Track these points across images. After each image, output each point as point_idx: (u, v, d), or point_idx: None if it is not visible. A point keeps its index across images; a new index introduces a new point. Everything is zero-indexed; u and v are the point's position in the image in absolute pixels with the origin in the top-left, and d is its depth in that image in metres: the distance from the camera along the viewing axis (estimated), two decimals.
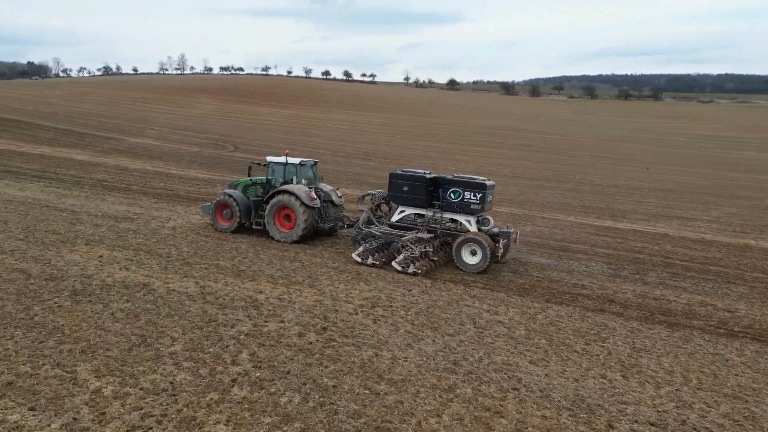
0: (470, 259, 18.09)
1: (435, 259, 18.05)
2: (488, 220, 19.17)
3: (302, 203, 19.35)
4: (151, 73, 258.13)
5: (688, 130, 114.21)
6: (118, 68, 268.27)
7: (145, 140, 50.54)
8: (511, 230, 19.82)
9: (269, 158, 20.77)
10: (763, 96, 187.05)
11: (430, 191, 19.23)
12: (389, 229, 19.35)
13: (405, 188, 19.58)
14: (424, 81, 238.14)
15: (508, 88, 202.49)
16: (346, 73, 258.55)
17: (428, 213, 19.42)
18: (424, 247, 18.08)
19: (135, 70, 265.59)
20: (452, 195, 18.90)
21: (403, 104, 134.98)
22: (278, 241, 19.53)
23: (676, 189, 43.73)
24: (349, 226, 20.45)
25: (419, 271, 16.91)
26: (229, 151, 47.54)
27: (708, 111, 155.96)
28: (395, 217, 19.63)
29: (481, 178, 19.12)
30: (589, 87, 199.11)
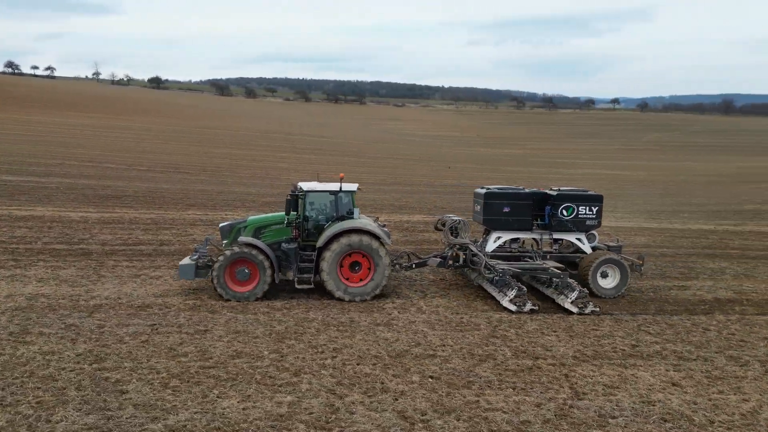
0: (605, 283, 16.44)
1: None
2: (594, 235, 17.94)
3: (384, 245, 15.75)
4: None
5: (417, 131, 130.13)
6: None
7: None
8: (621, 243, 18.38)
9: (304, 185, 16.28)
10: (413, 100, 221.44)
11: (533, 210, 17.29)
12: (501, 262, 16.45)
13: (506, 209, 17.10)
14: (123, 78, 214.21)
15: (222, 88, 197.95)
16: (11, 65, 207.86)
17: (530, 236, 17.47)
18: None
19: None
20: (564, 212, 17.09)
21: (125, 104, 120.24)
22: (341, 299, 15.42)
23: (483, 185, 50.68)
24: (419, 265, 17.13)
25: (536, 306, 15.20)
26: None
27: (412, 114, 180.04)
28: (491, 246, 17.18)
29: (582, 188, 18.49)
30: (301, 90, 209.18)
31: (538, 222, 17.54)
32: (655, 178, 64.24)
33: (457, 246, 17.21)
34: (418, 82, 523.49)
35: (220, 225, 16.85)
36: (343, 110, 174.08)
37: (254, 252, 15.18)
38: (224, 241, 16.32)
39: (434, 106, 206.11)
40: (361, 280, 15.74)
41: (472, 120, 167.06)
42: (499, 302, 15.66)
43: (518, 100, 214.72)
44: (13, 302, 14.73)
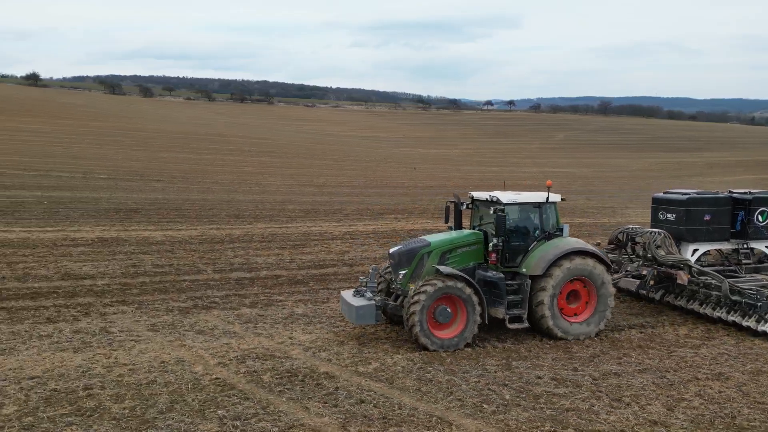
0: None
1: None
2: None
3: (607, 267, 13.26)
4: None
5: (344, 132, 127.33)
6: None
7: None
8: None
9: (504, 197, 13.13)
10: (309, 101, 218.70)
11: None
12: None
13: (707, 217, 15.50)
14: None
15: (114, 86, 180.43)
16: None
17: (726, 246, 15.91)
18: None
19: None
20: (759, 217, 15.80)
21: (7, 103, 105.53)
22: (561, 338, 12.67)
23: (461, 185, 50.09)
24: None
25: None
26: None
27: (325, 114, 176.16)
28: (691, 259, 15.23)
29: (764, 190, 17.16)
30: (203, 89, 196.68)
31: (733, 230, 16.09)
32: (615, 174, 67.50)
33: (668, 265, 14.68)
34: (303, 82, 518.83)
35: (391, 251, 13.31)
36: (255, 110, 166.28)
37: (460, 285, 12.01)
38: (401, 272, 12.79)
39: (344, 106, 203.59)
40: (576, 314, 13.05)
41: (387, 121, 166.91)
42: (745, 328, 13.34)
43: (423, 102, 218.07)
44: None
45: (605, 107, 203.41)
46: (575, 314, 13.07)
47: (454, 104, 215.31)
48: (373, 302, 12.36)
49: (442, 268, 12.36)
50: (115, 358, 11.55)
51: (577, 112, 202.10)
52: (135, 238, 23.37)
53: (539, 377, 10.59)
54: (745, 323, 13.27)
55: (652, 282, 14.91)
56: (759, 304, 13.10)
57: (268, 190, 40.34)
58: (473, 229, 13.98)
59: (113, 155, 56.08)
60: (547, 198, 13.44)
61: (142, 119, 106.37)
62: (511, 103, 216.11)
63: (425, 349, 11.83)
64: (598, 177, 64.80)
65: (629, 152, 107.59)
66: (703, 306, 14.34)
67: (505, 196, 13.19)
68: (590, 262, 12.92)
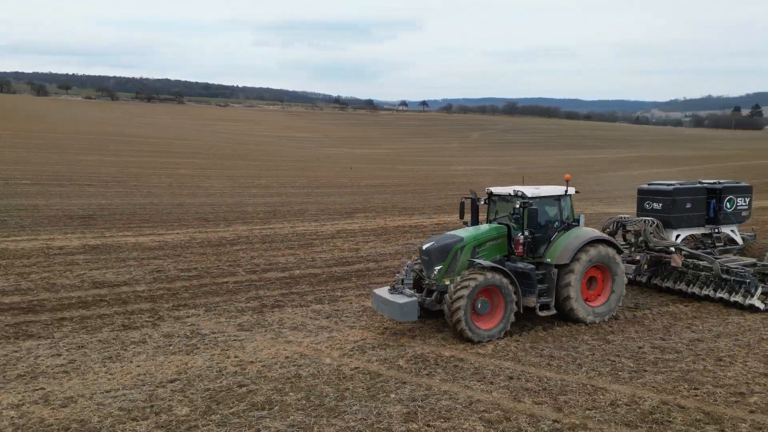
0: None
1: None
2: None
3: (620, 253, 14.32)
4: None
5: (265, 132, 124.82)
6: None
7: None
8: (754, 231, 18.95)
9: (528, 191, 13.76)
10: (217, 100, 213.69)
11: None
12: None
13: (688, 205, 16.89)
14: None
15: (1, 84, 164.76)
16: None
17: (702, 231, 17.43)
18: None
19: None
20: (727, 204, 17.34)
21: None
22: (587, 323, 13.52)
23: (404, 183, 51.84)
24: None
25: None
26: None
27: (241, 114, 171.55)
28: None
29: (734, 180, 18.85)
30: (105, 87, 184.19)
31: (706, 216, 17.56)
32: (536, 170, 71.70)
33: (660, 249, 16.05)
34: (208, 81, 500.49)
35: (424, 247, 13.41)
36: (166, 110, 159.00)
37: (499, 277, 12.47)
38: (436, 267, 13.03)
39: (259, 106, 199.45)
40: (595, 298, 13.99)
41: (306, 121, 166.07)
42: (732, 303, 14.78)
43: (340, 102, 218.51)
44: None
45: (511, 108, 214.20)
46: (595, 298, 13.98)
47: (371, 105, 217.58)
48: (415, 298, 12.70)
49: (483, 261, 12.76)
50: (236, 357, 11.69)
51: (485, 113, 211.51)
52: (125, 244, 22.59)
53: (640, 347, 12.04)
54: (732, 299, 14.78)
55: (645, 266, 16.12)
56: (747, 280, 14.68)
57: (213, 193, 39.51)
58: (489, 223, 14.49)
59: (32, 159, 52.42)
60: (566, 191, 14.30)
61: (44, 120, 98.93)
62: (424, 103, 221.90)
63: (469, 341, 12.19)
64: (522, 173, 68.41)
65: (540, 150, 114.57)
66: (690, 286, 15.73)
67: (529, 191, 13.84)
68: (607, 250, 13.89)
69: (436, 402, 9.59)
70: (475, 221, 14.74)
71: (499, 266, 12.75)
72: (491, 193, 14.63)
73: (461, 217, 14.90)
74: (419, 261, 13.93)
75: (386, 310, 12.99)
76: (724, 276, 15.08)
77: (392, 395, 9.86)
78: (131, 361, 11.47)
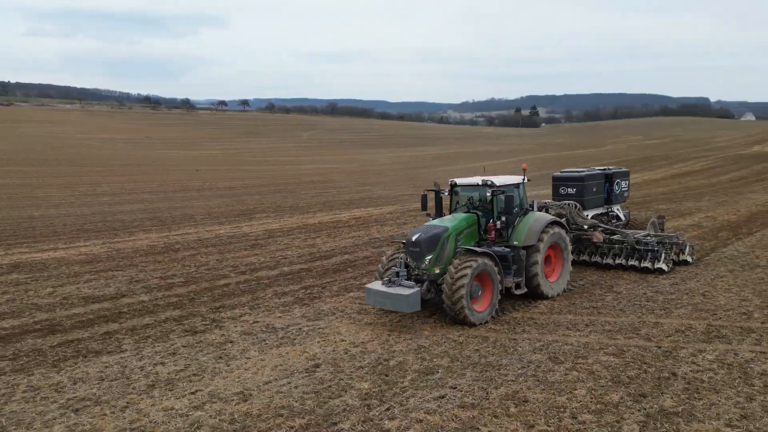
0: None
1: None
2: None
3: (567, 232, 15.91)
4: None
5: (53, 133, 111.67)
6: None
7: None
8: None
9: (497, 180, 14.72)
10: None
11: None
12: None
13: (594, 189, 18.96)
14: None
15: None
16: None
17: (603, 210, 19.74)
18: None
19: None
20: (616, 187, 19.83)
21: None
22: (550, 297, 14.87)
23: (264, 184, 52.69)
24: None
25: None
26: None
27: (31, 114, 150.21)
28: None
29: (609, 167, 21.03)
30: None
31: (605, 196, 20.08)
32: (379, 167, 76.14)
33: (584, 228, 18.13)
34: None
35: (414, 238, 13.47)
36: None
37: (489, 262, 13.19)
38: (428, 257, 13.30)
39: (52, 105, 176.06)
40: (552, 272, 15.29)
41: (118, 121, 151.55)
42: (641, 269, 17.34)
43: (151, 102, 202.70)
44: None
45: (332, 108, 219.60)
46: (551, 274, 15.25)
47: (187, 104, 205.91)
48: (418, 289, 12.89)
49: (477, 248, 13.47)
50: (343, 340, 12.41)
51: (307, 113, 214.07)
52: (50, 260, 20.81)
53: (644, 294, 15.44)
54: (642, 265, 17.43)
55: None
56: (655, 248, 17.38)
57: (59, 204, 36.32)
58: (452, 213, 15.13)
59: None
60: (524, 179, 15.61)
61: None
62: (245, 103, 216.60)
63: (471, 325, 12.79)
64: (367, 171, 70.83)
65: (373, 148, 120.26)
66: (604, 257, 18.22)
67: (497, 180, 14.78)
68: (560, 231, 15.31)
69: (561, 347, 11.69)
70: (440, 212, 15.50)
71: (490, 252, 13.43)
72: (455, 183, 15.34)
73: (423, 209, 15.35)
74: (397, 253, 14.35)
75: (388, 303, 12.96)
76: (637, 247, 17.74)
77: (520, 348, 11.71)
78: (248, 358, 11.59)
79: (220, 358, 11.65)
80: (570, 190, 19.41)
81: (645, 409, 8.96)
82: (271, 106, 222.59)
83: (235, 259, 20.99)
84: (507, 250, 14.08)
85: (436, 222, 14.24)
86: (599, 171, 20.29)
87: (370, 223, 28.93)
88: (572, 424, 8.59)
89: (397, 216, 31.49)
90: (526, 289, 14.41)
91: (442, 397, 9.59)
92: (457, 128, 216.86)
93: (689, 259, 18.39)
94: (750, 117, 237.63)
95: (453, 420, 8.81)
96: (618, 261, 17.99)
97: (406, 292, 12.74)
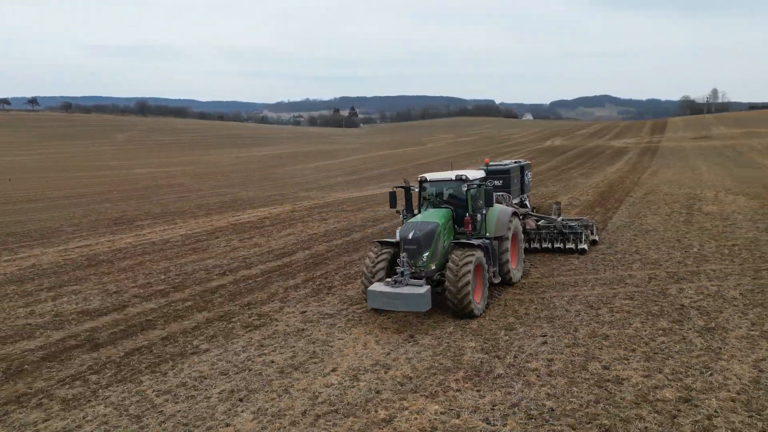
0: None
1: None
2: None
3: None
4: None
5: None
6: None
7: None
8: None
9: (470, 175, 15.18)
10: None
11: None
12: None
13: (515, 180, 20.82)
14: None
15: None
16: None
17: (518, 200, 20.98)
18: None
19: None
20: (525, 178, 21.88)
21: None
22: (515, 283, 15.72)
23: (105, 192, 49.81)
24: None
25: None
26: None
27: None
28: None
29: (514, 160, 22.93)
30: None
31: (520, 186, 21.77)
32: (222, 169, 74.31)
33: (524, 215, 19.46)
34: None
35: (410, 236, 13.21)
36: None
37: (483, 254, 13.61)
38: (425, 254, 13.24)
39: None
40: (516, 262, 16.03)
41: None
42: (567, 249, 19.20)
43: None
44: None
45: (143, 108, 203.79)
46: (513, 261, 15.86)
47: None
48: (429, 286, 12.72)
49: (474, 241, 13.81)
50: (416, 317, 13.76)
51: (111, 112, 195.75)
52: (67, 260, 18.68)
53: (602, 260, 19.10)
54: (567, 246, 19.35)
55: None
56: (579, 231, 19.37)
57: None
58: (422, 208, 15.28)
59: None
60: (486, 174, 17.30)
61: None
62: (34, 101, 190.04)
63: (473, 316, 13.01)
64: (213, 173, 66.04)
65: (201, 149, 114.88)
66: (531, 242, 19.72)
67: (470, 174, 15.22)
68: (518, 221, 16.48)
69: (585, 298, 14.45)
70: (410, 208, 15.62)
71: (483, 244, 13.82)
72: (424, 179, 15.33)
73: (393, 206, 15.71)
74: (385, 252, 14.02)
75: (398, 304, 12.50)
76: (564, 231, 19.64)
77: (557, 302, 14.24)
78: (340, 339, 12.38)
79: (313, 342, 12.18)
80: (497, 182, 20.41)
81: (692, 328, 12.06)
82: (68, 105, 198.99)
83: (195, 263, 20.35)
84: (487, 241, 14.50)
85: (421, 218, 14.07)
86: (516, 164, 21.78)
87: (294, 221, 29.28)
88: (658, 345, 11.27)
89: (305, 215, 31.72)
90: (500, 278, 15.09)
91: (545, 343, 11.65)
92: (284, 128, 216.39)
93: (596, 238, 20.75)
94: (529, 117, 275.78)
95: (570, 355, 10.95)
96: (545, 245, 19.73)
97: (420, 290, 12.36)
